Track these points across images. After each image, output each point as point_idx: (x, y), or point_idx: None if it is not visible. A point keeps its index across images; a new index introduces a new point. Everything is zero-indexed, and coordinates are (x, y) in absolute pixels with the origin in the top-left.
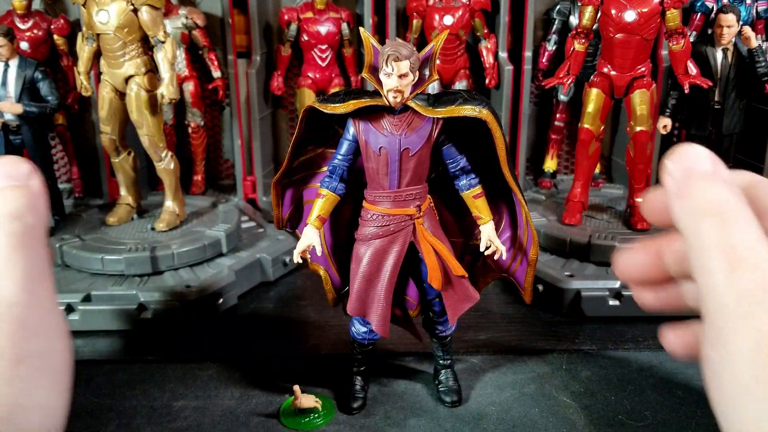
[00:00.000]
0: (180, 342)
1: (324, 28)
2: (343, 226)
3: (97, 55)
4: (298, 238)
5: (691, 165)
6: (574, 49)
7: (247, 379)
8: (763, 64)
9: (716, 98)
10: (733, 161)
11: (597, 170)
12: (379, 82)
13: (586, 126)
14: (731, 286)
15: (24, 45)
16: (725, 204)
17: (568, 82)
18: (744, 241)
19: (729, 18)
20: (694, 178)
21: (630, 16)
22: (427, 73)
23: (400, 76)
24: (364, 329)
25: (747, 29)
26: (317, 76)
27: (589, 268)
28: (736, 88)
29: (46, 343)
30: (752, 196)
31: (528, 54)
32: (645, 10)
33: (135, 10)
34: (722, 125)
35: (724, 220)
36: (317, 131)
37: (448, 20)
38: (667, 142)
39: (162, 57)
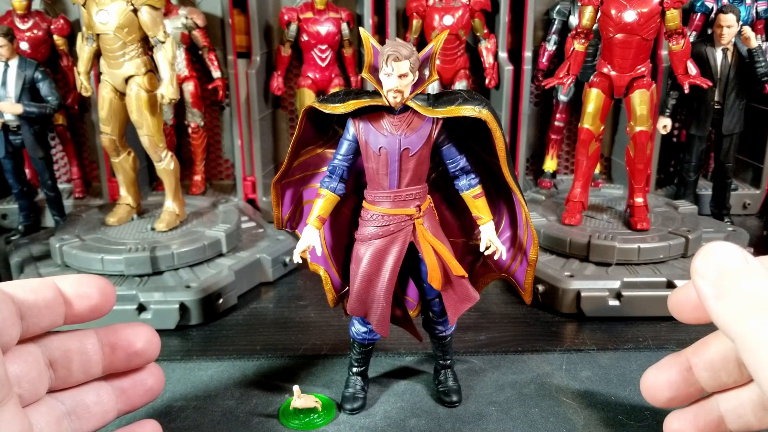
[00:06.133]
0: (180, 342)
1: (324, 28)
2: (343, 226)
3: (97, 55)
4: (297, 238)
5: (723, 262)
6: (574, 49)
7: (247, 379)
8: (762, 64)
9: (716, 98)
10: (733, 161)
11: (597, 170)
12: (379, 82)
13: (586, 126)
14: None
15: (24, 45)
16: None
17: (568, 82)
18: None
19: (729, 18)
20: (730, 276)
21: (630, 16)
22: (427, 73)
23: (400, 76)
24: (364, 329)
25: (747, 29)
26: (317, 76)
27: (589, 268)
28: (736, 88)
29: None
30: None
31: (528, 54)
32: (645, 10)
33: (135, 10)
34: (722, 125)
35: None
36: (317, 131)
37: (448, 20)
38: (667, 142)
39: (162, 57)
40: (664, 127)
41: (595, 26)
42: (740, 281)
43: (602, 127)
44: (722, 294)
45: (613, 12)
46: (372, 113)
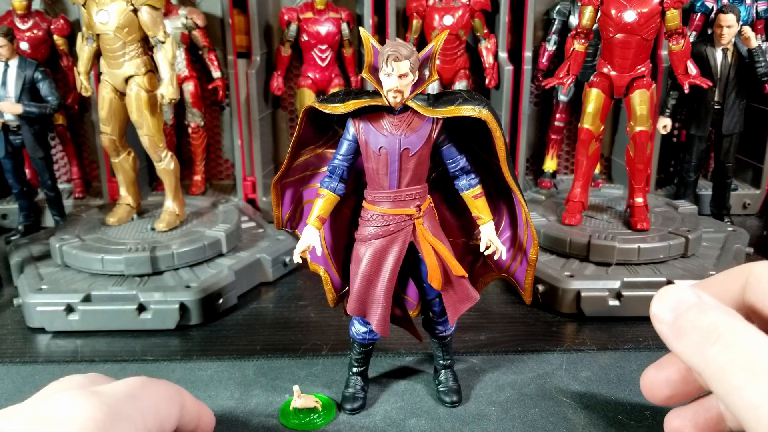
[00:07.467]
0: (180, 342)
1: (324, 28)
2: (343, 226)
3: (97, 55)
4: (298, 238)
5: (676, 303)
6: (574, 49)
7: (247, 379)
8: (762, 64)
9: (716, 98)
10: (733, 161)
11: (597, 170)
12: (379, 82)
13: (586, 126)
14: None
15: (24, 45)
16: (720, 326)
17: (568, 82)
18: (757, 349)
19: (729, 18)
20: (683, 316)
21: (630, 16)
22: (427, 73)
23: (400, 76)
24: (364, 329)
25: (747, 29)
26: (317, 76)
27: (589, 268)
28: (736, 88)
29: None
30: (762, 286)
31: (528, 54)
32: (645, 10)
33: (135, 10)
34: (722, 125)
35: (726, 341)
36: (317, 131)
37: (448, 20)
38: (667, 142)
39: (162, 57)
40: (664, 127)
41: (595, 26)
42: (693, 319)
43: (602, 127)
44: (679, 334)
45: (613, 12)
46: (372, 113)
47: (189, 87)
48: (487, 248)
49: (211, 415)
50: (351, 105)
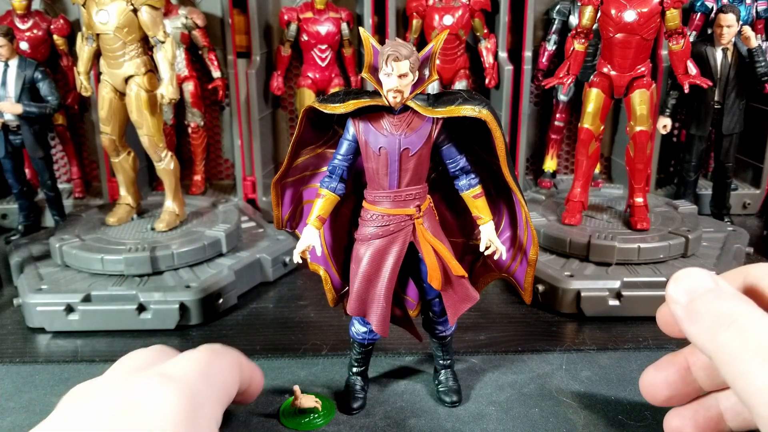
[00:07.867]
0: (180, 342)
1: (324, 28)
2: (343, 226)
3: (97, 55)
4: (297, 238)
5: (692, 287)
6: (573, 49)
7: None
8: (762, 64)
9: (716, 98)
10: (733, 161)
11: (597, 170)
12: (379, 82)
13: (585, 126)
14: None
15: (24, 45)
16: (735, 312)
17: (568, 82)
18: None
19: (729, 18)
20: (698, 300)
21: (630, 16)
22: (426, 73)
23: (400, 76)
24: (364, 329)
25: (747, 29)
26: (317, 76)
27: (589, 268)
28: (735, 88)
29: None
30: (759, 288)
31: (528, 54)
32: (645, 10)
33: (135, 10)
34: (722, 125)
35: (739, 327)
36: (317, 131)
37: (448, 20)
38: (667, 142)
39: (162, 57)
40: (664, 126)
41: (595, 26)
42: (708, 303)
43: (602, 127)
44: (693, 317)
45: (613, 12)
46: (372, 113)
47: (189, 87)
48: (487, 248)
49: (260, 374)
50: (351, 105)
